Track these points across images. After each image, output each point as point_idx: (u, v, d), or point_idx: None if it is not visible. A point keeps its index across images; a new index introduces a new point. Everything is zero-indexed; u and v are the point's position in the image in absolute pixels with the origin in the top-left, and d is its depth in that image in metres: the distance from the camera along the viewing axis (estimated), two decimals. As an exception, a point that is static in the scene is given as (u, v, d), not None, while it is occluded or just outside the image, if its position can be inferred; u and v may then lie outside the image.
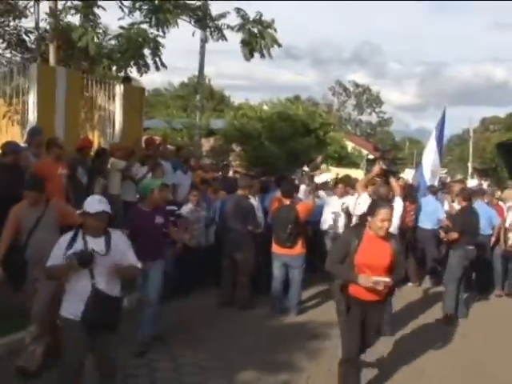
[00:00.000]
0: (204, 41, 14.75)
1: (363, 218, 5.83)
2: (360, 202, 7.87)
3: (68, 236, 4.91)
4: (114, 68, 13.48)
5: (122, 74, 13.80)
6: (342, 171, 21.41)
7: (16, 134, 11.02)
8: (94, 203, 4.86)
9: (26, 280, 6.33)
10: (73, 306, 4.80)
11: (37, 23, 13.81)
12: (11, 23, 15.36)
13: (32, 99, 10.07)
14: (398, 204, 7.74)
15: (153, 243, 6.87)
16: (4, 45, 14.89)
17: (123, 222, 7.14)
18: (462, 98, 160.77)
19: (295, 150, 26.41)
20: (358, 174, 20.06)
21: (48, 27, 13.49)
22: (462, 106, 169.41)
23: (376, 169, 8.16)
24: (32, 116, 10.11)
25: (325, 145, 30.91)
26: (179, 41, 12.52)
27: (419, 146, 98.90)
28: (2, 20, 15.33)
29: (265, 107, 29.69)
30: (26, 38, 14.82)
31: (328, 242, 11.11)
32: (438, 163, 13.50)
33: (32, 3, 14.94)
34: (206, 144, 28.00)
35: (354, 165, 37.91)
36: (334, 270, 5.70)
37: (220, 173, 13.68)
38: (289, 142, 26.51)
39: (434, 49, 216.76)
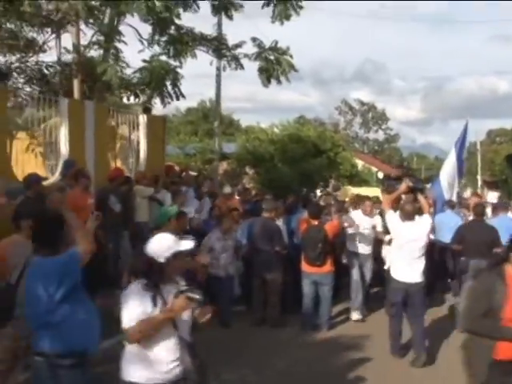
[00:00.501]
0: (220, 69, 15.27)
1: (503, 254, 4.64)
2: (388, 221, 8.11)
3: (138, 286, 3.87)
4: (138, 100, 13.87)
5: (136, 101, 14.30)
6: (360, 190, 21.67)
7: (39, 166, 11.31)
8: (181, 239, 4.01)
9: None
10: (155, 368, 3.80)
11: (59, 58, 14.30)
12: (32, 58, 15.92)
13: (63, 132, 10.47)
14: (427, 221, 7.91)
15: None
16: (23, 79, 15.29)
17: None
18: (466, 111, 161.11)
19: (307, 170, 26.78)
20: (372, 191, 20.33)
21: (70, 60, 13.97)
22: (467, 119, 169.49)
23: (403, 187, 8.27)
24: (64, 148, 10.50)
25: (336, 165, 31.27)
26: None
27: (426, 161, 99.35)
28: (23, 55, 15.86)
29: (275, 130, 30.12)
30: (47, 72, 15.24)
31: (355, 264, 10.54)
32: (456, 177, 13.41)
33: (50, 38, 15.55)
34: (220, 168, 28.34)
35: (365, 182, 38.17)
36: (479, 329, 4.37)
37: (239, 197, 13.98)
38: (301, 163, 26.88)
39: (436, 64, 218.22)
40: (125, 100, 15.53)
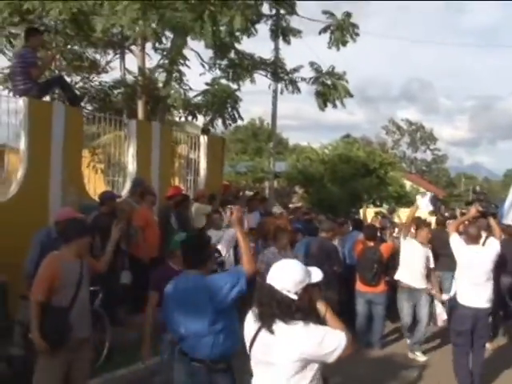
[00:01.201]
0: (276, 92, 15.75)
1: None
2: (452, 244, 7.75)
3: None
4: (196, 120, 14.43)
5: (194, 121, 14.87)
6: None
7: (99, 182, 11.81)
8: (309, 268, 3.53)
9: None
10: None
11: (123, 80, 14.98)
12: (95, 78, 16.69)
13: (131, 152, 11.04)
14: (495, 246, 7.68)
15: None
16: (87, 99, 15.96)
17: (153, 283, 6.06)
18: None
19: (357, 190, 27.06)
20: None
21: (133, 81, 14.63)
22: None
23: (472, 211, 8.35)
24: (132, 167, 11.06)
25: (385, 184, 31.38)
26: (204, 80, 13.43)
27: (474, 181, 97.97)
28: (87, 76, 16.63)
29: (326, 150, 30.46)
30: (110, 92, 15.92)
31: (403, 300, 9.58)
32: None
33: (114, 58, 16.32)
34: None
35: (413, 203, 37.68)
36: None
37: (291, 216, 14.19)
38: (350, 182, 27.17)
39: (484, 82, 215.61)
40: (183, 120, 16.04)
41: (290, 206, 19.62)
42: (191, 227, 10.97)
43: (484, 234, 8.51)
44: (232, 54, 13.23)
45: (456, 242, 7.66)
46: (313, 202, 26.01)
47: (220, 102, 12.80)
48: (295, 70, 13.93)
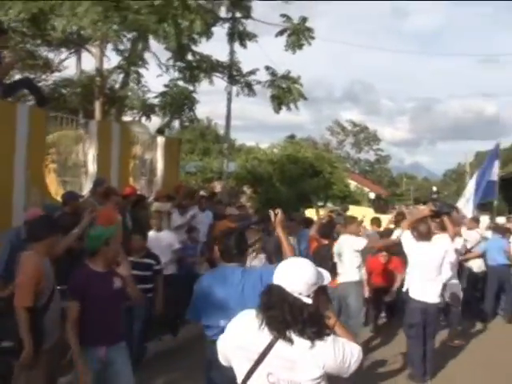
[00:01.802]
0: (231, 94, 16.07)
1: None
2: (404, 241, 8.18)
3: None
4: (150, 121, 14.62)
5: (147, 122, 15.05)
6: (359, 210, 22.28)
7: (52, 182, 11.80)
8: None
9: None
10: None
11: (80, 79, 15.04)
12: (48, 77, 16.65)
13: (92, 152, 11.18)
14: (445, 243, 8.17)
15: (110, 319, 5.04)
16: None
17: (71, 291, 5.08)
18: (454, 132, 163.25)
19: (305, 190, 27.57)
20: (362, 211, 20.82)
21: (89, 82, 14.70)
22: (455, 140, 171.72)
23: (426, 210, 8.69)
24: (92, 167, 11.20)
25: (331, 185, 32.08)
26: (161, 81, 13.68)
27: (415, 181, 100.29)
28: (41, 74, 16.58)
29: (275, 150, 30.97)
30: (64, 92, 15.93)
31: None
32: (472, 197, 13.83)
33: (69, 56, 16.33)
34: (218, 186, 29.05)
35: (357, 203, 38.65)
36: None
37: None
38: (298, 182, 27.69)
39: (424, 85, 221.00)
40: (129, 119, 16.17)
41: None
42: (148, 227, 11.15)
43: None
44: (189, 56, 13.42)
45: (407, 239, 8.01)
46: (261, 201, 26.30)
47: (178, 103, 13.03)
48: (251, 72, 14.27)
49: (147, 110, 13.70)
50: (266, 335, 2.92)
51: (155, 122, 15.05)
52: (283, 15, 13.56)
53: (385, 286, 10.41)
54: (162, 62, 13.71)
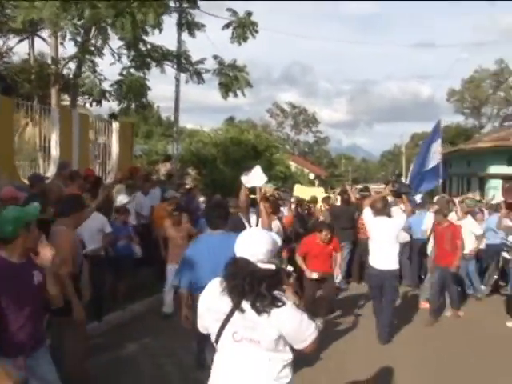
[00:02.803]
0: (179, 80, 16.91)
1: None
2: (364, 217, 9.29)
3: None
4: (100, 106, 15.31)
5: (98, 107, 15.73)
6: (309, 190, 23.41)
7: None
8: None
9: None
10: None
11: (35, 66, 15.61)
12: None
13: (54, 138, 11.92)
14: (400, 218, 9.30)
15: (30, 319, 4.25)
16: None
17: None
18: (391, 114, 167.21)
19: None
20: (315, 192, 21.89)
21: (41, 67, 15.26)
22: (392, 122, 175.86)
23: (386, 190, 9.94)
24: (55, 152, 11.95)
25: (273, 166, 33.14)
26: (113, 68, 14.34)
27: (353, 162, 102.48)
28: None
29: (218, 133, 31.84)
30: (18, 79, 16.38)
31: None
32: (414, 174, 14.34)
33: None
34: (163, 168, 29.66)
35: (298, 183, 39.59)
36: None
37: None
38: (241, 164, 28.60)
39: (362, 67, 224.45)
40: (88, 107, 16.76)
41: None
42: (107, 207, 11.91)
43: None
44: (141, 46, 14.13)
45: (367, 215, 9.10)
46: (206, 183, 27.13)
47: (133, 91, 13.82)
48: (199, 61, 15.15)
49: (103, 97, 14.36)
50: (228, 300, 3.26)
51: (105, 106, 15.74)
52: (229, 9, 14.45)
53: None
54: (115, 51, 14.35)
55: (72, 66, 14.52)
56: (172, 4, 15.02)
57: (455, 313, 10.44)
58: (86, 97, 15.70)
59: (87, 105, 16.38)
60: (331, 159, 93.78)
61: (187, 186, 16.59)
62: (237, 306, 3.22)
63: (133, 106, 14.50)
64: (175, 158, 18.91)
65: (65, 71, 14.68)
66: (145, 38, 14.00)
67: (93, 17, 11.15)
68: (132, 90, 13.80)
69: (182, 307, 5.83)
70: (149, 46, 14.27)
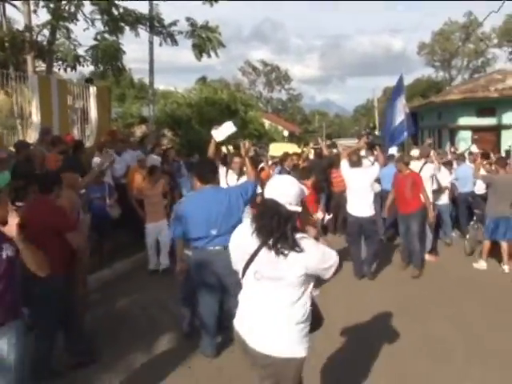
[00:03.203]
0: (152, 43, 17.14)
1: None
2: (342, 168, 9.91)
3: None
4: (75, 71, 15.56)
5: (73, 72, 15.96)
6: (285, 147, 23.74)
7: None
8: None
9: None
10: None
11: (9, 33, 15.68)
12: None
13: (35, 104, 12.22)
14: (375, 169, 9.86)
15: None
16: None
17: None
18: (363, 68, 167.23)
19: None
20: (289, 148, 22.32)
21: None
22: (364, 76, 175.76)
23: (361, 142, 10.81)
24: (36, 118, 12.26)
25: (247, 124, 33.51)
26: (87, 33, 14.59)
27: (327, 118, 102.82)
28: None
29: (191, 94, 32.05)
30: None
31: None
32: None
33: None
34: (138, 131, 29.85)
35: (273, 141, 39.97)
36: None
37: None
38: (216, 124, 28.91)
39: (333, 22, 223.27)
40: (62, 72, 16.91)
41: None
42: (85, 170, 12.21)
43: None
44: (114, 10, 14.32)
45: (344, 166, 9.75)
46: (182, 143, 27.44)
47: (109, 55, 14.08)
48: (172, 24, 15.39)
49: (78, 62, 14.59)
50: (255, 240, 3.52)
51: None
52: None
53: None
54: (88, 16, 14.52)
55: (46, 32, 14.66)
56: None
57: (430, 257, 11.10)
58: (60, 62, 15.88)
59: (61, 70, 16.62)
60: (305, 115, 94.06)
61: (163, 147, 16.95)
62: (263, 245, 3.48)
63: (109, 70, 14.70)
64: (151, 121, 18.93)
65: (39, 38, 14.82)
66: (117, 2, 14.21)
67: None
68: (107, 55, 14.04)
69: (177, 260, 6.31)
70: (121, 10, 14.40)
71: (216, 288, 6.02)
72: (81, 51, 14.78)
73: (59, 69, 16.71)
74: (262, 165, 12.43)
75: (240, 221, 5.60)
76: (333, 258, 3.56)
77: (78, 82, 15.42)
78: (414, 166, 10.89)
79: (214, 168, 6.30)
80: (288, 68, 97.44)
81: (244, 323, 3.70)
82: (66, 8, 13.44)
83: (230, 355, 6.17)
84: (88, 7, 14.30)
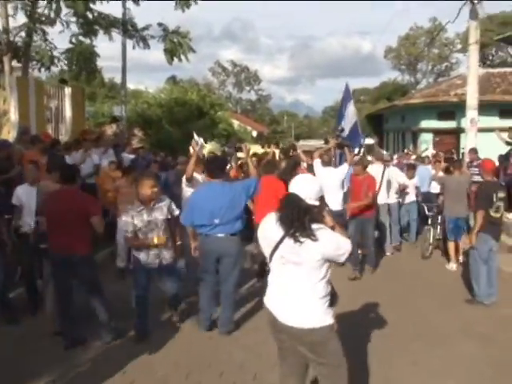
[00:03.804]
0: (125, 46, 17.80)
1: None
2: (315, 167, 10.64)
3: None
4: (49, 72, 16.12)
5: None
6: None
7: None
8: None
9: None
10: None
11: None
12: None
13: (13, 104, 12.80)
14: (343, 168, 10.62)
15: None
16: None
17: None
18: (332, 70, 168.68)
19: (192, 131, 29.37)
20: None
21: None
22: (333, 78, 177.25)
23: (331, 143, 11.68)
24: (14, 117, 12.83)
25: (216, 124, 34.11)
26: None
27: (296, 119, 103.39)
28: None
29: (162, 95, 32.60)
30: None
31: None
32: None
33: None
34: (109, 130, 30.19)
35: (241, 141, 40.34)
36: None
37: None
38: (186, 124, 29.52)
39: (303, 23, 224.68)
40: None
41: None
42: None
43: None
44: (88, 13, 14.87)
45: (317, 165, 10.64)
46: (152, 142, 27.95)
47: (84, 58, 14.70)
48: (145, 28, 16.04)
49: (53, 63, 15.14)
50: (279, 229, 3.99)
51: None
52: (172, -22, 15.38)
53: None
54: (63, 19, 15.02)
55: (23, 34, 15.15)
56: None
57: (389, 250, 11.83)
58: (35, 62, 16.37)
59: (35, 71, 17.16)
60: (273, 116, 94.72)
61: (134, 147, 17.46)
62: (286, 233, 3.92)
63: (83, 72, 15.28)
64: (123, 120, 19.53)
65: (16, 39, 15.30)
66: (92, 6, 14.77)
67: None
68: (82, 57, 14.65)
69: (191, 241, 7.11)
70: (96, 14, 14.96)
71: (213, 271, 6.92)
72: (56, 53, 15.31)
73: (33, 69, 17.30)
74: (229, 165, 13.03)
75: (242, 213, 6.81)
76: (346, 245, 3.98)
77: (53, 83, 15.94)
78: (375, 169, 11.42)
79: (221, 165, 7.27)
80: (258, 68, 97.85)
81: (274, 302, 4.14)
82: (45, 12, 13.95)
83: (186, 350, 6.57)
84: (63, 9, 14.82)
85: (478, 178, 11.00)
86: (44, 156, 11.41)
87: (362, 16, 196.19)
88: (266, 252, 4.12)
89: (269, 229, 4.09)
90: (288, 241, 3.91)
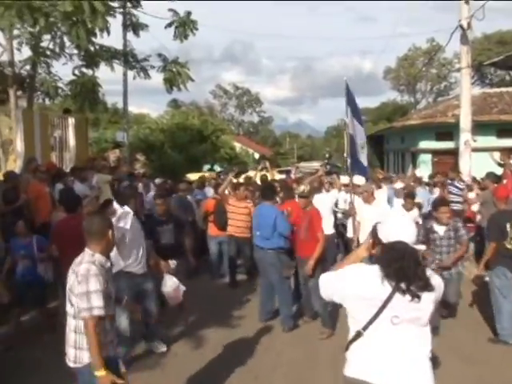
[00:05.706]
0: (126, 75, 18.30)
1: None
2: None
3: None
4: (53, 102, 16.56)
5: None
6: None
7: None
8: None
9: None
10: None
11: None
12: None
13: (19, 135, 13.26)
14: (332, 195, 11.48)
15: None
16: None
17: None
18: (334, 90, 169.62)
19: (194, 155, 29.88)
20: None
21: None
22: (336, 97, 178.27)
23: (320, 171, 12.25)
24: (20, 148, 13.29)
25: (218, 148, 34.55)
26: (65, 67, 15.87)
27: (299, 139, 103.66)
28: None
29: (164, 120, 33.15)
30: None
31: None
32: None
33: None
34: (112, 155, 30.55)
35: (244, 163, 40.63)
36: None
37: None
38: (188, 148, 29.99)
39: (304, 44, 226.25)
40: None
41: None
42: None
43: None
44: (90, 47, 15.32)
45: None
46: (155, 167, 28.35)
47: (87, 90, 15.20)
48: (145, 59, 16.58)
49: (57, 94, 15.65)
50: (386, 285, 3.35)
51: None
52: (171, 10, 15.84)
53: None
54: (66, 51, 15.47)
55: (28, 67, 15.64)
56: (116, 4, 16.28)
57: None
58: (39, 93, 16.86)
59: (40, 100, 17.68)
60: (275, 137, 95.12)
61: (136, 172, 17.82)
62: (398, 289, 3.33)
63: (86, 103, 15.76)
64: (127, 147, 20.04)
65: (21, 71, 15.77)
66: (93, 39, 15.25)
67: (48, 26, 12.32)
68: (85, 89, 15.16)
69: None
70: (97, 47, 15.41)
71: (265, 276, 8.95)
72: (60, 83, 15.80)
73: (38, 99, 17.79)
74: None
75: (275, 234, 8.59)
76: (442, 283, 3.59)
77: (57, 113, 16.44)
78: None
79: (272, 190, 9.47)
80: (259, 90, 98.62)
81: (388, 372, 3.38)
82: (49, 45, 14.42)
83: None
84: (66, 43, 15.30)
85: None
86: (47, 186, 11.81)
87: (362, 36, 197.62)
88: (359, 314, 3.49)
89: (370, 286, 3.42)
90: (400, 297, 3.36)
